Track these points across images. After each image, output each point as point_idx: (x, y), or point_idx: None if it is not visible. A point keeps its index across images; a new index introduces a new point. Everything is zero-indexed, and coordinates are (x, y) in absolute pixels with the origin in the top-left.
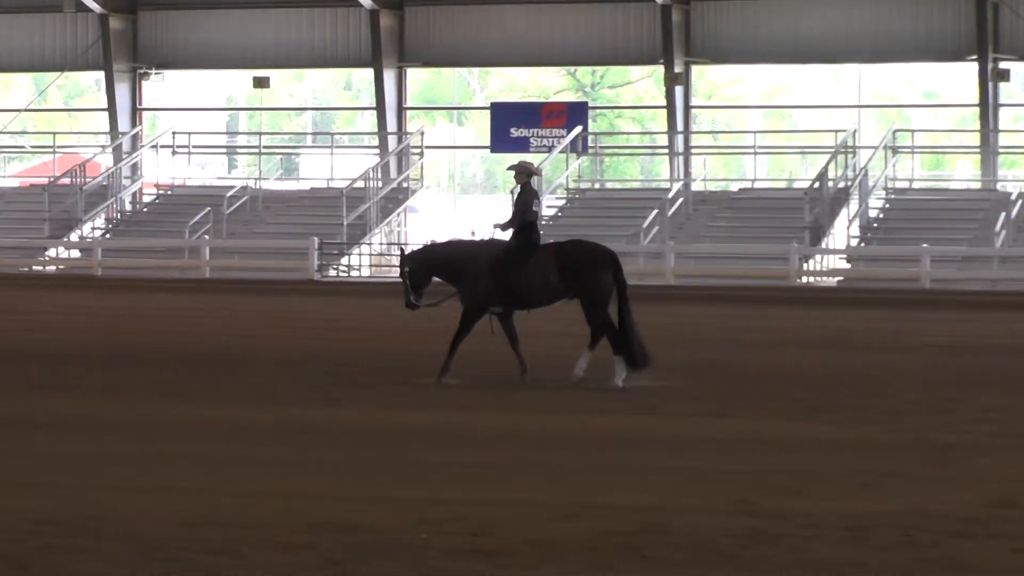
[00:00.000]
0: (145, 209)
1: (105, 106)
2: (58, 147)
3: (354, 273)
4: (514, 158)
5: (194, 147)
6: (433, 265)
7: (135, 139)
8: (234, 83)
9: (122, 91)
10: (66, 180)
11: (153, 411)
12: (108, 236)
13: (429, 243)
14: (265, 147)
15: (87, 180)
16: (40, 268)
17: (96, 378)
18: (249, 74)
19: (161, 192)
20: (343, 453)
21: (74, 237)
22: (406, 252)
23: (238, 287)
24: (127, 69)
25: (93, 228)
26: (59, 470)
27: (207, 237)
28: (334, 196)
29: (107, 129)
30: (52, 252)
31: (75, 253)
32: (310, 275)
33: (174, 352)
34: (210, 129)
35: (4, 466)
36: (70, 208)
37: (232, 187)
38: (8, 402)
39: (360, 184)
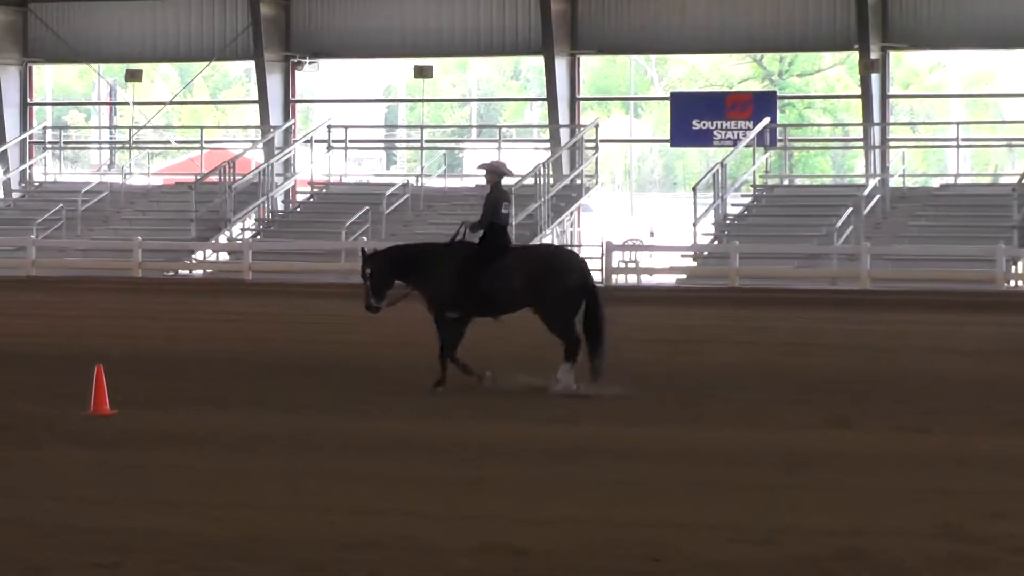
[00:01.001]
0: (298, 209)
1: (255, 98)
2: (205, 143)
3: None
4: (697, 152)
5: (351, 142)
6: (396, 267)
7: (287, 133)
8: (393, 73)
9: (274, 82)
10: (214, 178)
11: (310, 425)
12: (259, 238)
13: (393, 244)
14: (427, 141)
15: (236, 178)
16: (186, 272)
17: (247, 389)
18: (410, 63)
19: (315, 190)
20: (508, 470)
21: (222, 239)
22: (368, 252)
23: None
24: (279, 58)
25: (243, 229)
26: (210, 488)
27: (365, 239)
28: None
29: (257, 123)
30: (199, 255)
31: (224, 256)
32: None
33: (331, 361)
34: (368, 122)
35: (154, 484)
36: (218, 208)
37: (391, 185)
38: (156, 416)
39: (530, 181)
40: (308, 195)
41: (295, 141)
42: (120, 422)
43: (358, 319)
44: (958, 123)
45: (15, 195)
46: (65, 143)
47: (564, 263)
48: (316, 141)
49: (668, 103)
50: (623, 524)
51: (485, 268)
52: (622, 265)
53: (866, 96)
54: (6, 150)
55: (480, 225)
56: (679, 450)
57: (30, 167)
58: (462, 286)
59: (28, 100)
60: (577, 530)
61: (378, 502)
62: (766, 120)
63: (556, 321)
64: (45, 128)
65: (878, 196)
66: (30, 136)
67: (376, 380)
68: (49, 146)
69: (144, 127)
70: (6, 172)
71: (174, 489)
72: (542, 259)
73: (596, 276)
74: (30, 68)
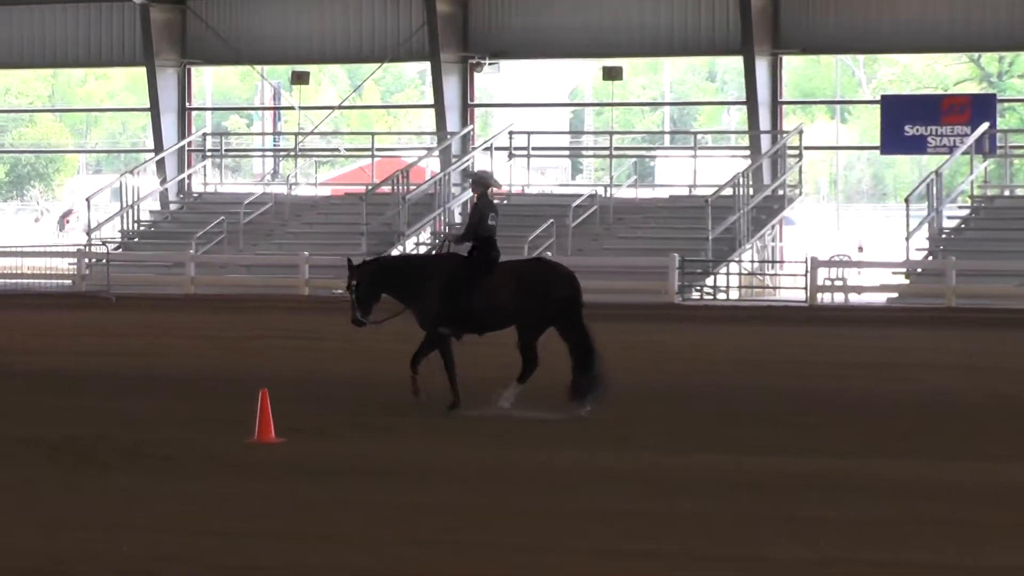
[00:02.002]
0: None
1: (431, 102)
2: (377, 150)
3: (721, 296)
4: (908, 160)
5: (534, 149)
6: (383, 280)
7: (465, 140)
8: (580, 74)
9: (451, 84)
10: (386, 188)
11: (487, 456)
12: (434, 252)
13: (381, 256)
14: (616, 148)
15: (410, 188)
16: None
17: (424, 416)
18: (597, 63)
19: (496, 202)
20: (696, 503)
21: (395, 254)
22: (354, 264)
23: (587, 311)
24: (456, 59)
25: (417, 243)
26: (380, 523)
27: (549, 253)
28: (697, 206)
29: (433, 129)
30: None
31: None
32: (670, 298)
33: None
34: (552, 128)
35: (320, 518)
36: (391, 220)
37: (578, 195)
38: (324, 444)
39: (728, 192)
40: None
41: (474, 148)
42: (286, 451)
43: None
44: None
45: (173, 206)
46: (226, 151)
47: (555, 278)
48: (496, 148)
49: (878, 107)
50: (831, 563)
51: (475, 283)
52: (828, 283)
53: None
54: (163, 158)
55: (465, 237)
56: (887, 484)
57: (188, 177)
58: (452, 301)
59: (187, 105)
60: (786, 571)
61: (552, 538)
62: (985, 125)
63: (531, 336)
64: (205, 135)
65: None
66: (188, 143)
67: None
68: (209, 154)
69: (311, 133)
70: (163, 182)
71: (341, 524)
72: (532, 274)
73: (800, 294)
74: (189, 70)
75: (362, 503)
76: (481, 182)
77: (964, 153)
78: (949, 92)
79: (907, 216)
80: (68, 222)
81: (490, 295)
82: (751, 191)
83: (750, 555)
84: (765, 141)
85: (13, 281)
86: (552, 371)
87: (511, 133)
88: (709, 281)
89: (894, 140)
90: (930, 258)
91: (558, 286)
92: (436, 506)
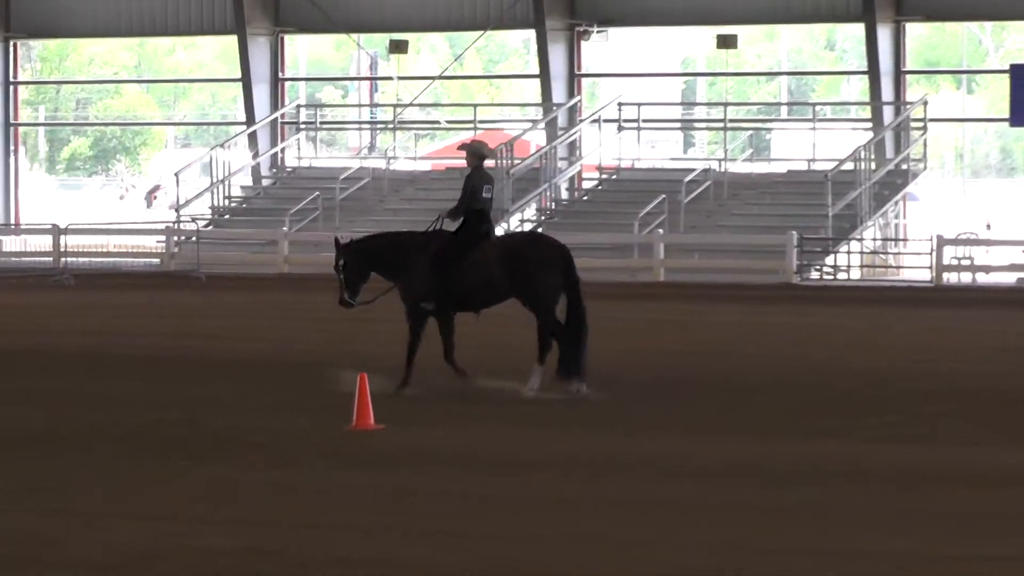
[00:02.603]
0: (585, 197)
1: (536, 72)
2: (479, 123)
3: (841, 275)
4: None
5: (644, 121)
6: (371, 258)
7: (572, 112)
8: (692, 42)
9: (556, 53)
10: (489, 162)
11: (582, 445)
12: (541, 229)
13: (370, 233)
14: (730, 121)
15: (514, 163)
16: None
17: (520, 403)
18: (711, 31)
19: (605, 176)
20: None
21: (500, 232)
22: (341, 243)
23: (698, 292)
24: (563, 26)
25: (522, 220)
26: (483, 516)
27: (660, 231)
28: (816, 181)
29: (538, 100)
30: None
31: None
32: (788, 278)
33: (612, 371)
34: (663, 99)
35: (420, 510)
36: (495, 196)
37: (691, 170)
38: (424, 432)
39: (848, 166)
40: (596, 182)
41: (581, 121)
42: (386, 438)
43: (657, 322)
44: None
45: (265, 182)
46: (321, 123)
47: (545, 251)
48: (605, 121)
49: (1006, 76)
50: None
51: (462, 257)
52: (955, 262)
53: None
54: (255, 131)
55: (458, 211)
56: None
57: (282, 150)
58: (438, 276)
59: (279, 75)
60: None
61: (684, 532)
62: None
63: (543, 314)
64: (298, 107)
65: None
66: (282, 116)
67: (666, 394)
68: (303, 127)
69: (409, 105)
70: (255, 156)
71: (443, 517)
72: (522, 247)
73: (924, 274)
74: (282, 39)
75: (465, 495)
76: (475, 153)
77: None
78: None
79: None
80: (155, 198)
81: (478, 270)
82: (873, 165)
83: (871, 551)
84: (888, 113)
85: (99, 260)
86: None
87: (620, 105)
88: (829, 260)
89: None
90: None
91: (550, 260)
92: (544, 499)
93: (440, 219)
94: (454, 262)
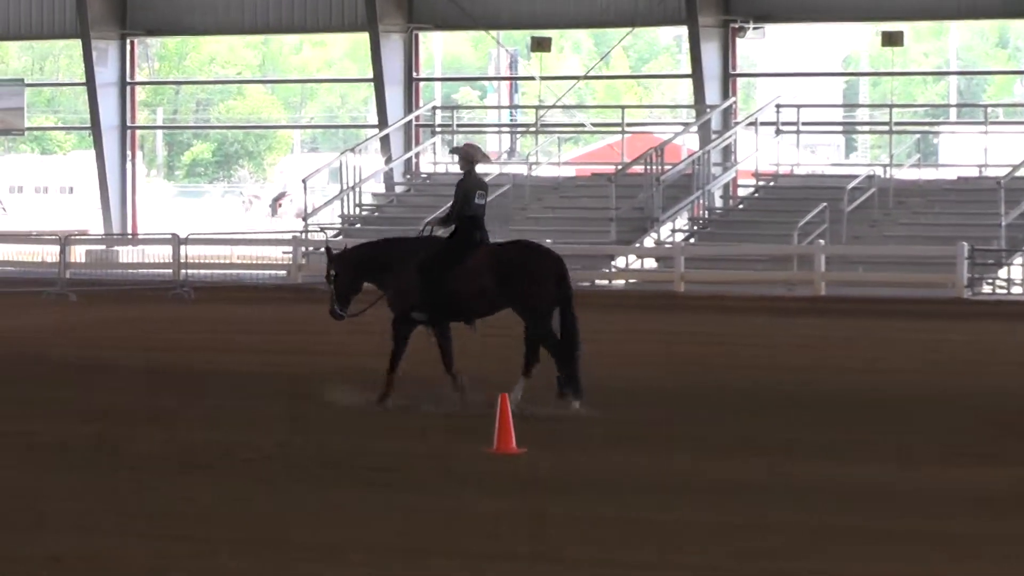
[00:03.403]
0: (741, 206)
1: (688, 71)
2: (627, 126)
3: (1016, 289)
4: None
5: (803, 124)
6: (363, 268)
7: (727, 114)
8: (854, 40)
9: (710, 52)
10: (638, 168)
11: (741, 468)
12: (693, 241)
13: (362, 243)
14: (895, 124)
15: (665, 168)
16: (605, 282)
17: (673, 425)
18: (874, 27)
19: (761, 183)
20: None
21: (648, 242)
22: (333, 252)
23: (862, 307)
24: (716, 23)
25: (673, 231)
26: (632, 542)
27: (822, 242)
28: (988, 188)
29: (690, 102)
30: (620, 261)
31: (650, 263)
32: (958, 292)
33: (774, 392)
34: (824, 101)
35: (550, 537)
36: (644, 204)
37: (853, 177)
38: (569, 455)
39: (1021, 174)
40: (752, 189)
41: (736, 124)
42: (528, 462)
43: (820, 339)
44: None
45: (398, 189)
46: (457, 126)
47: (540, 261)
48: (762, 124)
49: None
50: None
51: (453, 265)
52: None
53: None
54: (388, 134)
55: (449, 219)
56: None
57: (416, 155)
58: (428, 284)
59: (413, 75)
60: None
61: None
62: None
63: (537, 326)
64: (434, 108)
65: None
66: (416, 118)
67: (837, 414)
68: (438, 130)
69: (552, 107)
70: (388, 161)
71: (590, 544)
72: (515, 256)
73: None
74: (416, 36)
75: (613, 521)
76: (468, 157)
77: None
78: None
79: None
80: (281, 206)
81: (470, 279)
82: None
83: None
84: None
85: (221, 272)
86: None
87: (778, 107)
88: (1002, 273)
89: None
90: None
91: (543, 270)
92: (702, 524)
93: (430, 228)
94: (445, 270)
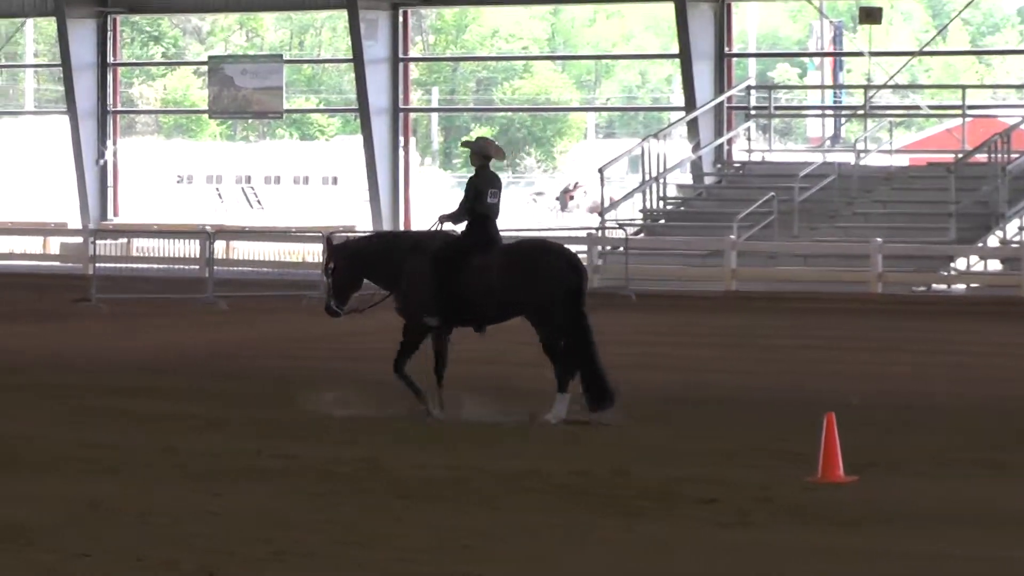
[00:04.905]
0: None
1: None
2: (968, 108)
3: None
4: None
5: None
6: (363, 263)
7: None
8: None
9: None
10: (981, 156)
11: None
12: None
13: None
14: None
15: (1012, 157)
16: (943, 286)
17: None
18: None
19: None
20: None
21: (993, 241)
22: (333, 243)
23: None
24: None
25: (1021, 228)
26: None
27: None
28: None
29: None
30: (961, 263)
31: (995, 264)
32: None
33: None
34: None
35: None
36: (987, 198)
37: None
38: (905, 484)
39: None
40: None
41: None
42: (858, 492)
43: None
44: None
45: (708, 180)
46: (775, 109)
47: (555, 261)
48: None
49: None
50: None
51: (463, 267)
52: None
53: None
54: (696, 118)
55: (458, 216)
56: None
57: (728, 142)
58: (437, 287)
59: (725, 50)
60: None
61: None
62: None
63: (549, 334)
64: (748, 88)
65: None
66: (728, 100)
67: None
68: (753, 113)
69: (883, 87)
70: (696, 148)
71: None
72: (527, 255)
73: None
74: (728, 6)
75: (960, 560)
76: (480, 152)
77: None
78: None
79: None
80: (571, 198)
81: (480, 280)
82: None
83: None
84: None
85: None
86: None
87: None
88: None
89: None
90: None
91: (558, 271)
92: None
93: (437, 225)
94: (455, 270)
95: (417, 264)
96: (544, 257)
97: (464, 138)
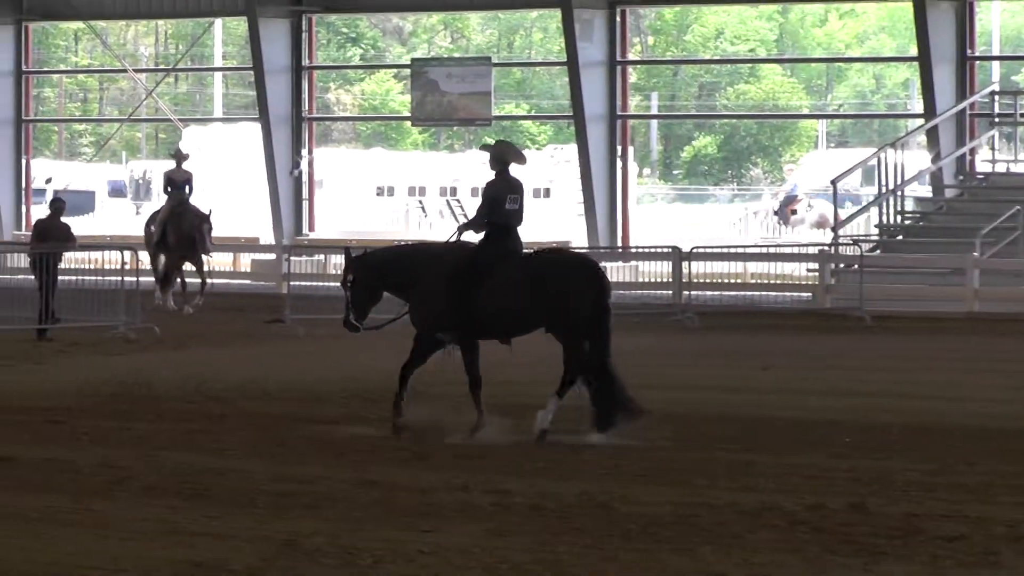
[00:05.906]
0: None
1: None
2: None
3: None
4: None
5: None
6: (383, 275)
7: None
8: None
9: None
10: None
11: None
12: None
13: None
14: None
15: None
16: None
17: None
18: None
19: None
20: None
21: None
22: (352, 255)
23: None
24: None
25: None
26: None
27: None
28: None
29: None
30: None
31: None
32: None
33: None
34: None
35: None
36: None
37: None
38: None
39: None
40: None
41: None
42: None
43: None
44: None
45: (949, 192)
46: (1020, 115)
47: (578, 273)
48: None
49: None
50: None
51: (481, 278)
52: None
53: None
54: (936, 126)
55: (474, 225)
56: None
57: (971, 151)
58: (451, 300)
59: (967, 52)
60: None
61: None
62: None
63: (570, 345)
64: (992, 94)
65: None
66: (970, 106)
67: None
68: (997, 120)
69: None
70: (936, 159)
71: None
72: (551, 268)
73: None
74: (971, 5)
75: None
76: (499, 157)
77: None
78: None
79: None
80: (794, 212)
81: (499, 293)
82: None
83: None
84: None
85: (730, 293)
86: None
87: None
88: None
89: None
90: None
91: (580, 282)
92: None
93: (459, 235)
94: (471, 284)
95: (432, 277)
96: (568, 272)
97: (483, 141)
